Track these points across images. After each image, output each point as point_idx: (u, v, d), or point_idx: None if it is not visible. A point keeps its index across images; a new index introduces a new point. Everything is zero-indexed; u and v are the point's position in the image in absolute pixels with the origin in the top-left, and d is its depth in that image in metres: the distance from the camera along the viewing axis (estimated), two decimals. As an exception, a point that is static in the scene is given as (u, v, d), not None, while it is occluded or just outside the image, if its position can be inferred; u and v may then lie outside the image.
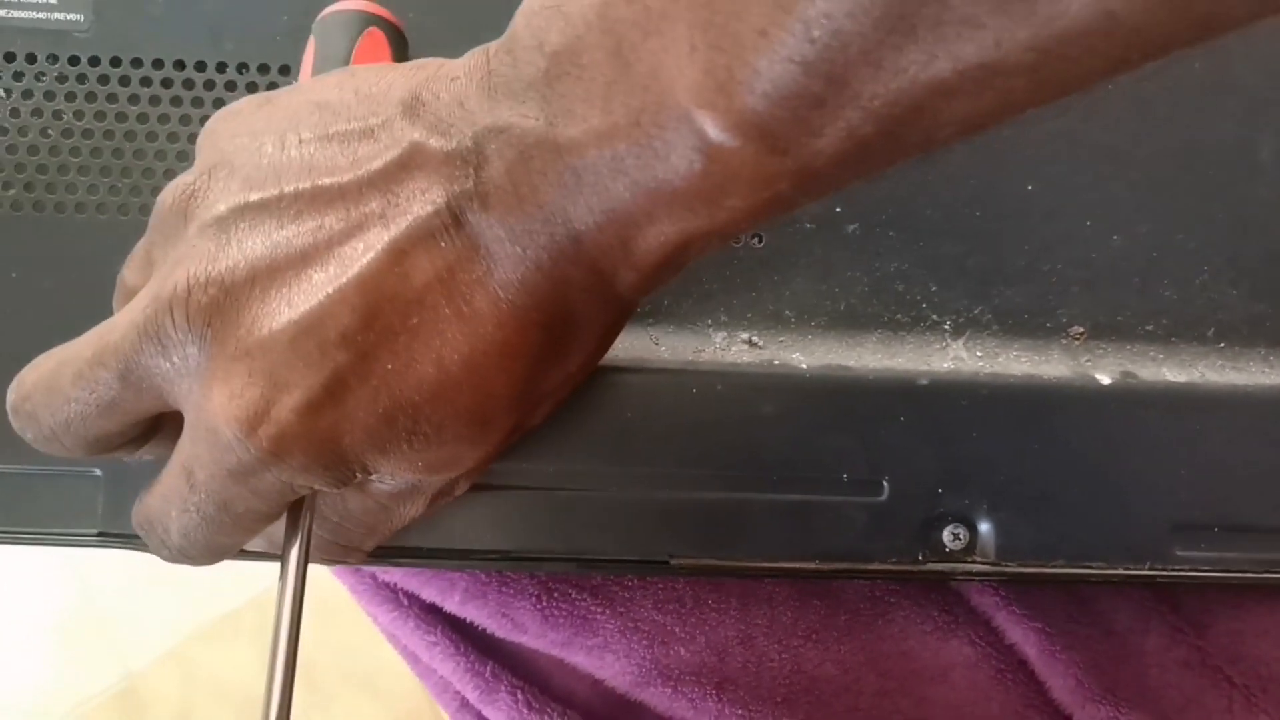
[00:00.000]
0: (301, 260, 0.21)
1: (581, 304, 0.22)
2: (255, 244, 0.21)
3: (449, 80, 0.22)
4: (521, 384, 0.23)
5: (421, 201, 0.21)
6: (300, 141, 0.22)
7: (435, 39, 0.31)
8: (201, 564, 0.25)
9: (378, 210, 0.21)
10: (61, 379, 0.24)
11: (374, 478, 0.24)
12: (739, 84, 0.17)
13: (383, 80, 0.22)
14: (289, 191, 0.21)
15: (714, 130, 0.18)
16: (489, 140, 0.20)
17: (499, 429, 0.23)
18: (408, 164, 0.21)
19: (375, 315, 0.21)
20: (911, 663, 0.35)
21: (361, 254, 0.21)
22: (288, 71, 0.33)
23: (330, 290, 0.21)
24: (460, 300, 0.21)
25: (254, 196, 0.22)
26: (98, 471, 0.32)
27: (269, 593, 0.99)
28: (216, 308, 0.21)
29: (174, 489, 0.23)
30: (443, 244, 0.21)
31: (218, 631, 0.97)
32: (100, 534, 0.31)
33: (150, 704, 0.95)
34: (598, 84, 0.19)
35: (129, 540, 0.31)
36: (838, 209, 0.33)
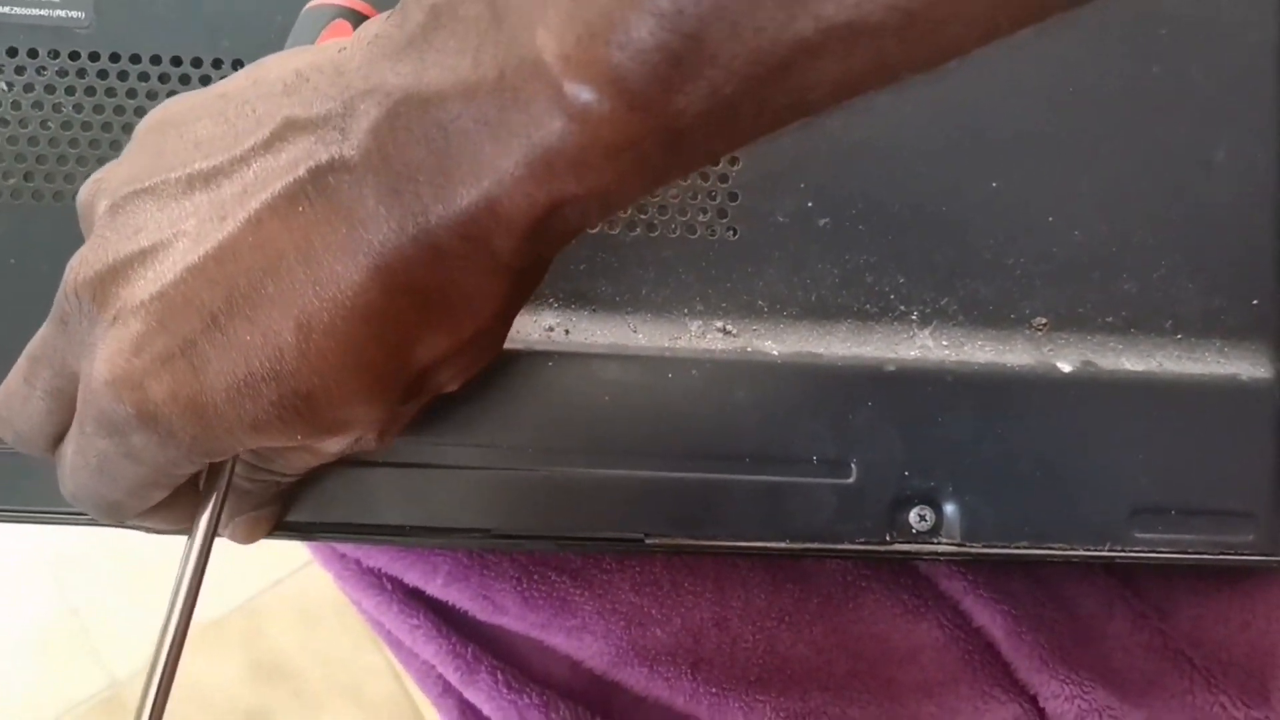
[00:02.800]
0: (172, 238, 0.22)
1: (459, 270, 0.21)
2: (136, 224, 0.22)
3: (336, 51, 0.22)
4: (396, 351, 0.22)
5: (284, 171, 0.21)
6: (195, 130, 0.23)
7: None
8: (104, 519, 0.26)
9: (243, 186, 0.21)
10: (14, 381, 0.25)
11: (257, 449, 0.24)
12: (597, 37, 0.17)
13: (281, 63, 0.23)
14: (171, 177, 0.22)
15: (572, 85, 0.18)
16: (359, 101, 0.20)
17: (382, 396, 0.23)
18: (279, 137, 0.21)
19: (231, 286, 0.21)
20: (882, 644, 0.36)
21: (220, 227, 0.21)
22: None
23: (190, 263, 0.21)
24: (318, 266, 0.21)
25: (143, 183, 0.23)
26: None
27: (254, 601, 0.99)
28: (100, 282, 0.22)
29: (73, 435, 0.24)
30: (301, 209, 0.21)
31: (202, 639, 0.97)
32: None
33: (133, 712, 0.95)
34: (472, 36, 0.19)
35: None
36: (809, 203, 0.35)
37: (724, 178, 0.34)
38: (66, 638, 0.98)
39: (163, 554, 0.98)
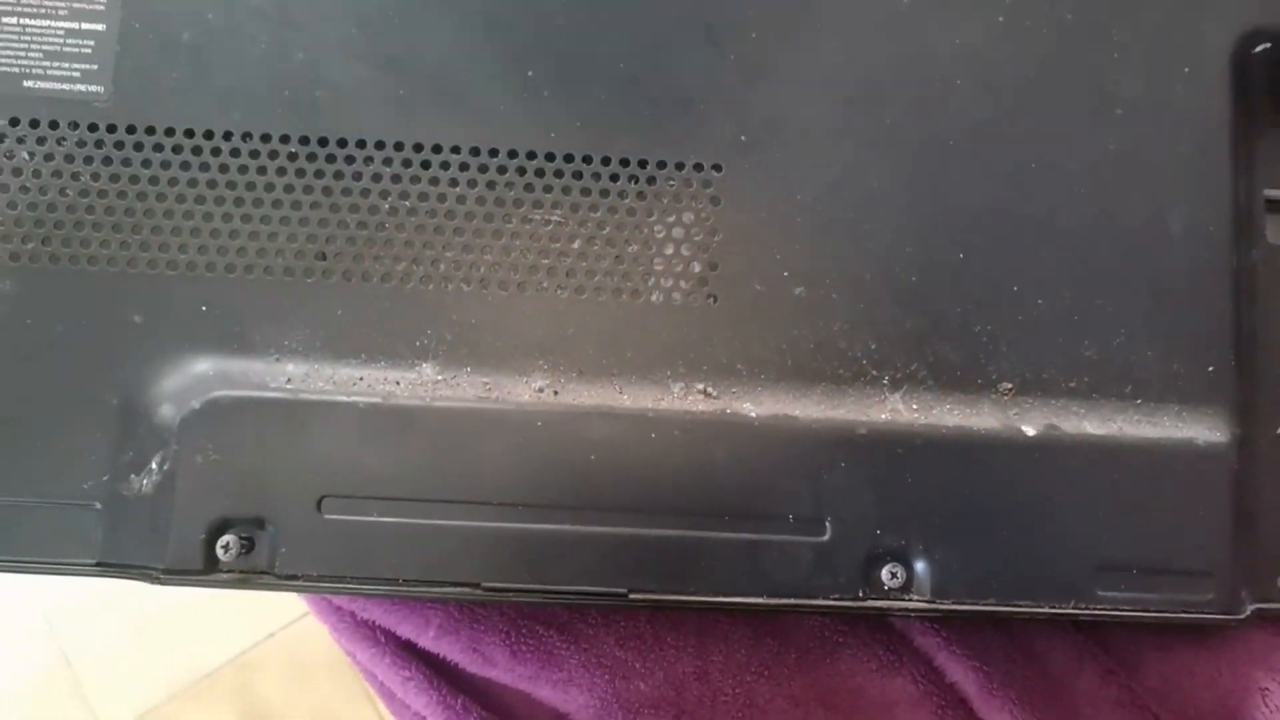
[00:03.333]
0: None
1: None
2: None
3: None
4: None
5: None
6: None
7: (750, 183, 0.36)
8: None
9: None
10: None
11: None
12: None
13: None
14: None
15: None
16: None
17: None
18: None
19: None
20: (858, 699, 0.37)
21: None
22: (287, 140, 0.36)
23: None
24: None
25: None
26: (97, 505, 0.34)
27: (248, 654, 1.00)
28: None
29: None
30: None
31: (194, 692, 0.97)
32: (98, 564, 0.34)
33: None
34: None
35: (125, 570, 0.34)
36: (785, 273, 0.36)
37: (704, 248, 0.36)
38: (59, 690, 0.98)
39: (159, 605, 0.98)
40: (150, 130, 0.36)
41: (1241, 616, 0.35)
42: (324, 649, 1.01)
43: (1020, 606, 0.34)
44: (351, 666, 1.01)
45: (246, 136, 0.36)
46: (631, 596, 0.33)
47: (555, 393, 0.35)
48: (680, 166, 0.37)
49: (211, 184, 0.36)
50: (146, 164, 0.36)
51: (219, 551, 0.33)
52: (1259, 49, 0.39)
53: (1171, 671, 0.38)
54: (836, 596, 0.34)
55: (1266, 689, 0.38)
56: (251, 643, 0.99)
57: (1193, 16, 0.38)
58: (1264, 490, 0.37)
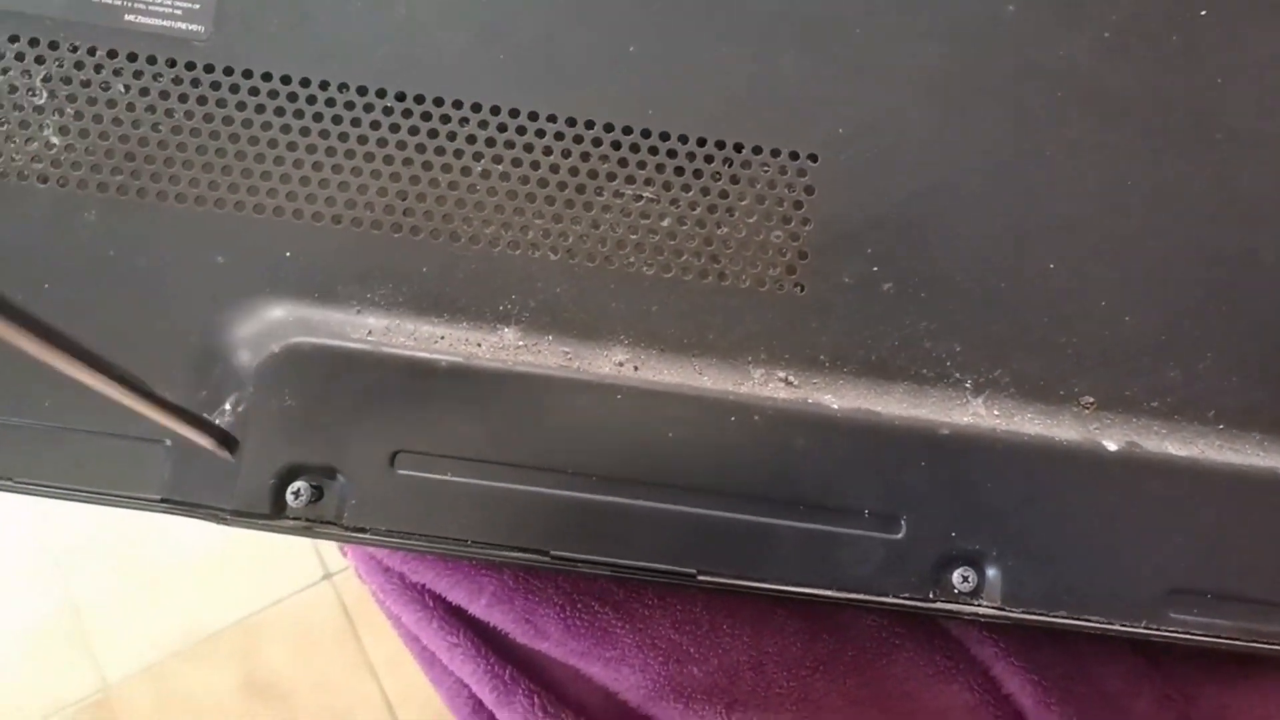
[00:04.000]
0: None
1: None
2: None
3: None
4: None
5: None
6: None
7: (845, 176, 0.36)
8: None
9: None
10: None
11: None
12: None
13: None
14: None
15: None
16: None
17: None
18: None
19: None
20: (913, 703, 0.37)
21: None
22: (384, 94, 0.36)
23: None
24: None
25: None
26: (168, 441, 0.34)
27: (253, 617, 1.00)
28: None
29: None
30: None
31: (197, 652, 0.97)
32: (163, 499, 0.33)
33: (121, 718, 0.95)
34: None
35: (192, 508, 0.33)
36: (875, 268, 0.36)
37: (795, 236, 0.36)
38: (64, 637, 0.97)
39: (171, 556, 0.98)
40: (248, 74, 0.36)
41: (1310, 651, 0.34)
42: (329, 619, 1.01)
43: (1090, 621, 0.34)
44: (354, 639, 1.01)
45: (343, 87, 0.36)
46: (700, 578, 0.33)
47: (635, 368, 0.35)
48: (776, 153, 0.36)
49: (305, 131, 0.36)
50: (241, 106, 0.36)
51: (289, 497, 0.33)
52: (1364, 83, 0.38)
53: (1229, 703, 0.38)
54: (906, 595, 0.34)
55: (1321, 729, 0.37)
56: (259, 606, 0.99)
57: (1301, 45, 0.38)
58: (1336, 527, 0.37)
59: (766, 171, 0.36)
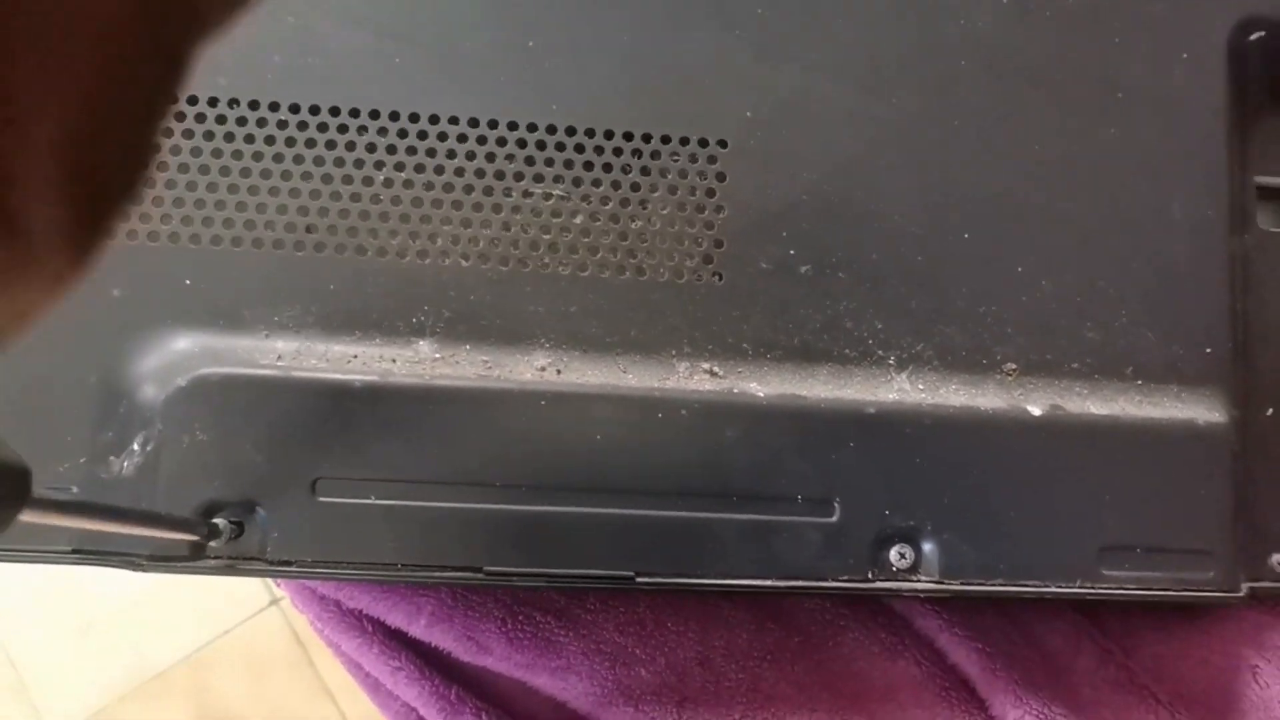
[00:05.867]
0: None
1: None
2: None
3: None
4: None
5: None
6: None
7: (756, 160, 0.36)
8: None
9: None
10: None
11: None
12: None
13: None
14: None
15: None
16: None
17: None
18: None
19: None
20: (862, 682, 0.37)
21: None
22: (277, 107, 0.35)
23: None
24: None
25: None
26: (74, 489, 0.32)
27: (200, 652, 0.97)
28: None
29: None
30: None
31: (146, 692, 0.94)
32: (75, 550, 0.32)
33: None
34: None
35: (105, 557, 0.32)
36: (791, 251, 0.36)
37: (710, 225, 0.35)
38: (4, 693, 0.94)
39: (107, 598, 0.95)
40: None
41: (1240, 595, 0.35)
42: (280, 645, 0.99)
43: (1027, 587, 0.34)
44: (309, 663, 0.98)
45: (233, 103, 0.35)
46: (638, 580, 0.32)
47: (558, 371, 0.34)
48: (685, 142, 0.36)
49: (195, 152, 0.34)
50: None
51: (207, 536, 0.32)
52: (1254, 36, 0.39)
53: (1167, 651, 0.38)
54: (846, 578, 0.34)
55: (1257, 666, 0.38)
56: (205, 640, 0.96)
57: (1192, 3, 0.39)
58: (1257, 471, 0.38)
59: (677, 161, 0.36)
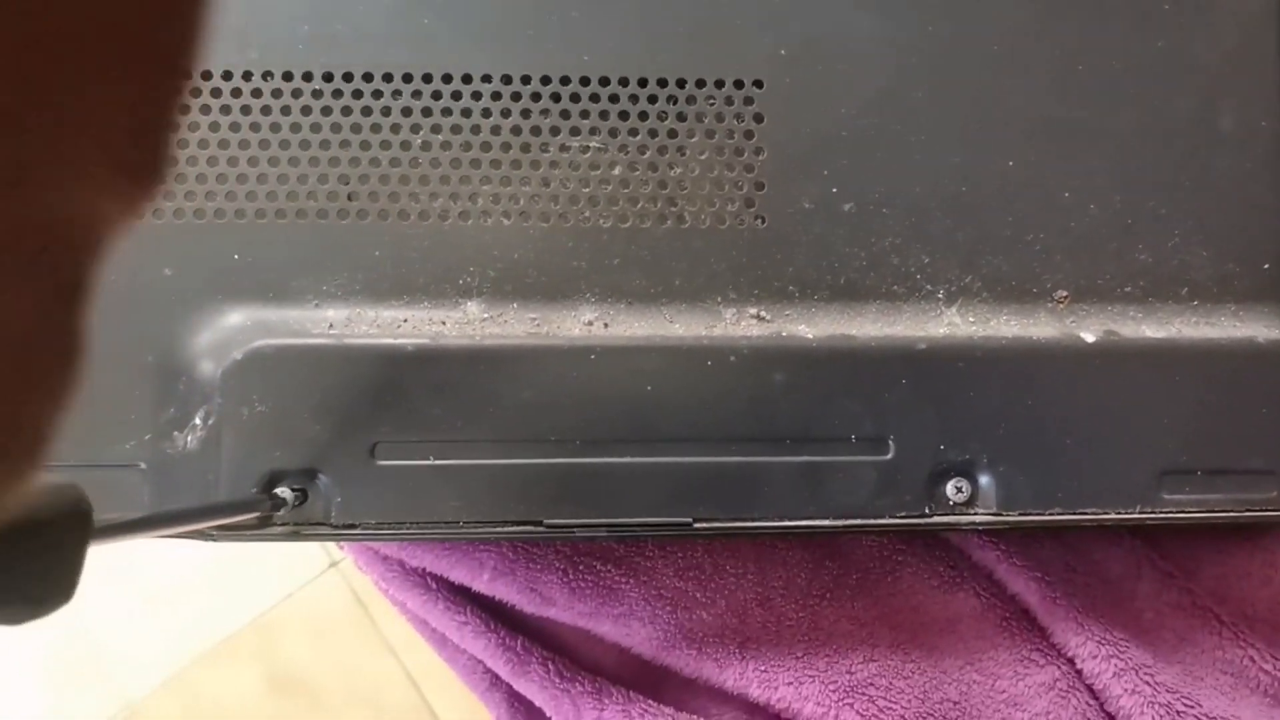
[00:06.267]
0: None
1: None
2: None
3: None
4: None
5: None
6: None
7: (793, 99, 0.35)
8: None
9: None
10: None
11: None
12: None
13: None
14: None
15: None
16: None
17: None
18: None
19: None
20: (921, 616, 0.37)
21: None
22: (310, 77, 0.35)
23: None
24: None
25: None
26: (142, 465, 0.33)
27: (268, 615, 1.00)
28: None
29: None
30: None
31: (217, 656, 0.97)
32: None
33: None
34: None
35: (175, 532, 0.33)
36: (834, 189, 0.35)
37: (749, 167, 0.35)
38: (80, 660, 0.97)
39: (175, 566, 0.98)
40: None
41: (1304, 513, 0.35)
42: (341, 606, 1.01)
43: (1086, 514, 0.34)
44: (370, 622, 1.01)
45: (267, 75, 0.35)
46: (696, 526, 0.33)
47: (605, 325, 0.34)
48: (720, 84, 0.35)
49: (234, 127, 0.34)
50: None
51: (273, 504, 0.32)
52: (1303, -65, 0.37)
53: (1228, 573, 0.38)
54: (902, 515, 0.34)
55: (1321, 584, 0.38)
56: (271, 604, 0.99)
57: (1237, -97, 0.37)
58: (1318, 387, 0.37)
59: (713, 104, 0.35)
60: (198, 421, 0.33)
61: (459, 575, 0.38)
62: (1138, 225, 0.36)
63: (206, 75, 0.35)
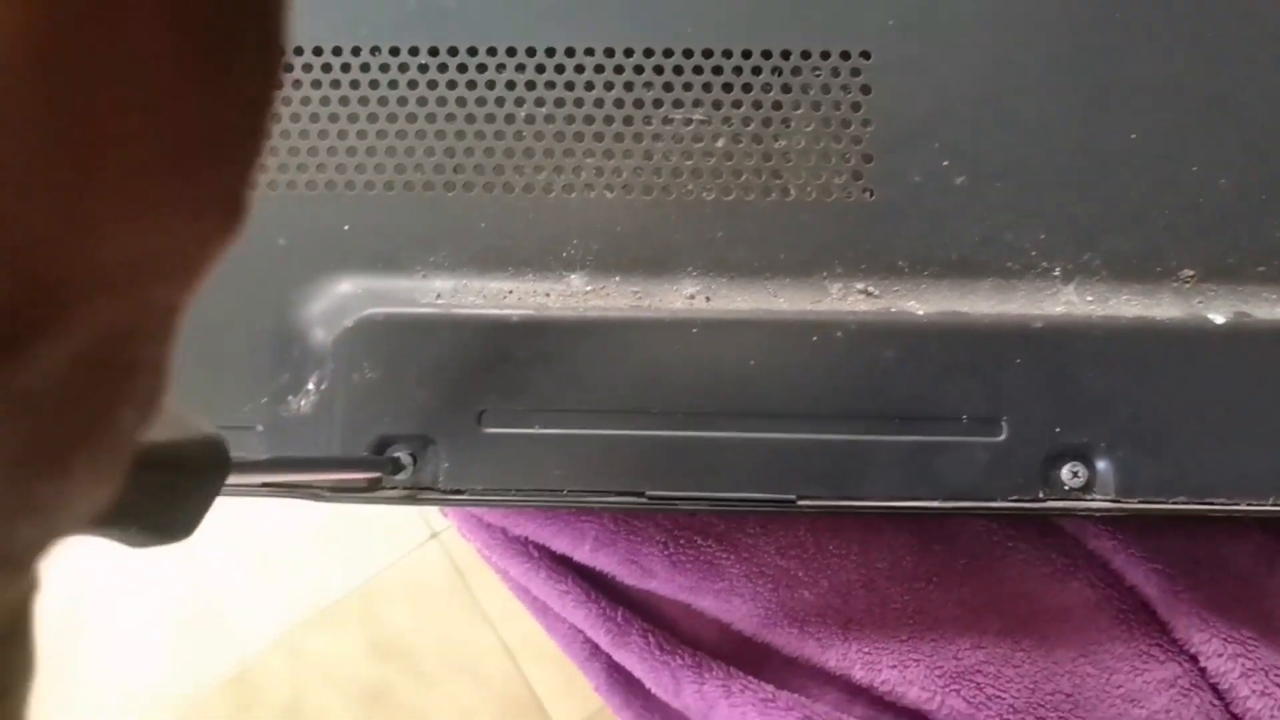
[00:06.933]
0: None
1: None
2: None
3: None
4: None
5: None
6: None
7: (902, 69, 0.34)
8: None
9: None
10: None
11: None
12: None
13: None
14: None
15: None
16: None
17: None
18: None
19: None
20: (1032, 604, 0.36)
21: None
22: (416, 52, 0.35)
23: None
24: None
25: None
26: (260, 427, 0.34)
27: (372, 582, 1.03)
28: None
29: None
30: None
31: (324, 620, 1.01)
32: (265, 484, 0.34)
33: (262, 689, 0.99)
34: None
35: (290, 489, 0.34)
36: (945, 162, 0.34)
37: (857, 139, 0.34)
38: (197, 618, 1.02)
39: (284, 533, 1.02)
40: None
41: None
42: (443, 575, 1.04)
43: (1213, 504, 0.32)
44: (468, 593, 1.03)
45: (375, 50, 0.35)
46: (800, 503, 0.32)
47: (707, 299, 0.34)
48: (826, 55, 0.34)
49: (344, 101, 0.35)
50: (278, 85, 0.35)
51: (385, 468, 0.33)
52: None
53: (1370, 569, 0.36)
54: (1015, 498, 0.32)
55: None
56: (374, 572, 1.02)
57: None
58: None
59: (819, 76, 0.35)
60: (310, 387, 0.34)
61: (561, 545, 0.38)
62: (1272, 200, 0.34)
63: (318, 50, 0.35)
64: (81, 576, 1.02)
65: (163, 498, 0.18)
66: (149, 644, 1.02)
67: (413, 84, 0.35)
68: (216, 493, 0.21)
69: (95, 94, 0.09)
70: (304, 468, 0.28)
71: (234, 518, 1.01)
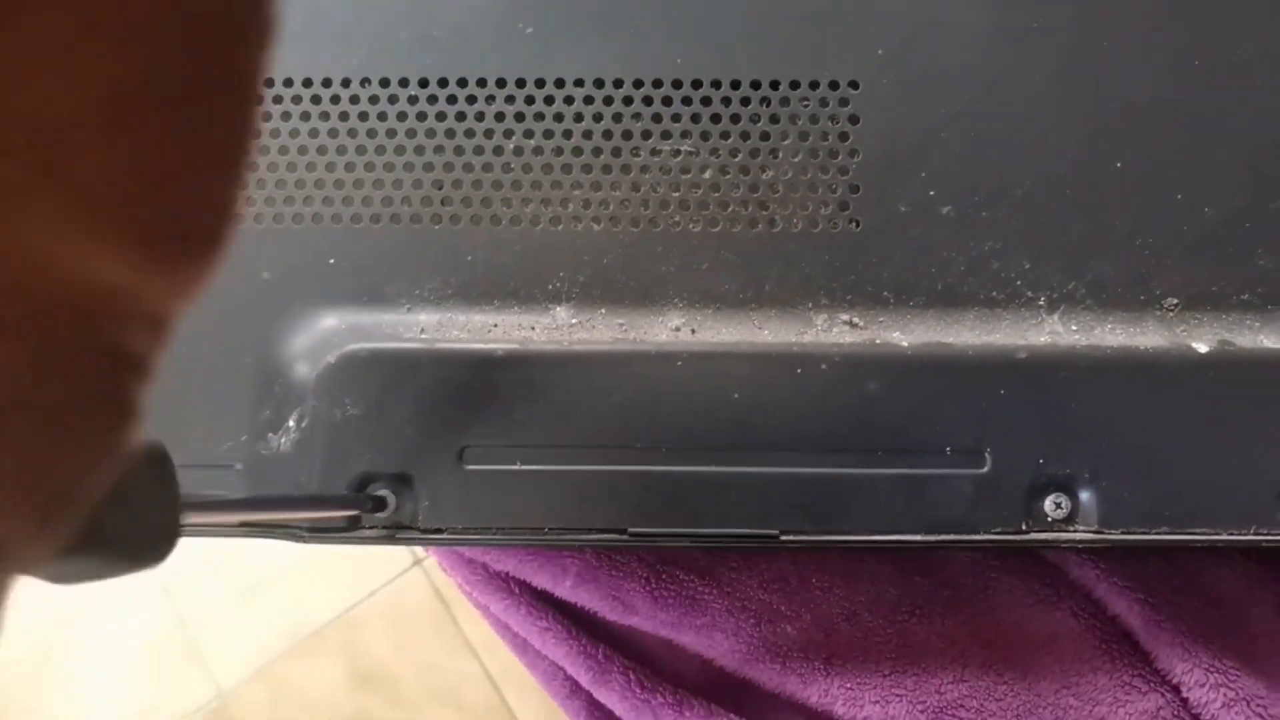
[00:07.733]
0: None
1: None
2: None
3: None
4: None
5: None
6: None
7: (890, 99, 0.34)
8: None
9: None
10: None
11: None
12: None
13: None
14: None
15: None
16: None
17: None
18: None
19: None
20: (1016, 635, 0.36)
21: None
22: (406, 83, 0.35)
23: None
24: None
25: None
26: (238, 465, 0.34)
27: (353, 610, 1.02)
28: None
29: None
30: None
31: (304, 649, 1.00)
32: (242, 524, 0.33)
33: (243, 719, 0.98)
34: None
35: (270, 529, 0.34)
36: (931, 191, 0.34)
37: (844, 170, 0.34)
38: (175, 649, 1.01)
39: (265, 562, 1.01)
40: (268, 82, 0.35)
41: None
42: (424, 604, 1.03)
43: (1196, 534, 0.32)
44: (452, 621, 1.02)
45: (364, 82, 0.35)
46: (783, 538, 0.32)
47: (693, 331, 0.34)
48: (814, 85, 0.35)
49: (332, 133, 0.35)
50: (267, 116, 0.35)
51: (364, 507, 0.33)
52: None
53: (1352, 598, 0.36)
54: (998, 530, 0.32)
55: None
56: (355, 601, 1.01)
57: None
58: None
59: (807, 106, 0.35)
60: (291, 424, 0.34)
61: (542, 581, 0.38)
62: (1259, 228, 0.34)
63: (307, 82, 0.35)
64: (61, 607, 1.01)
65: (119, 515, 0.17)
66: (130, 674, 1.00)
67: (401, 115, 0.35)
68: (175, 496, 0.20)
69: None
70: (280, 506, 0.28)
71: (214, 546, 1.00)
